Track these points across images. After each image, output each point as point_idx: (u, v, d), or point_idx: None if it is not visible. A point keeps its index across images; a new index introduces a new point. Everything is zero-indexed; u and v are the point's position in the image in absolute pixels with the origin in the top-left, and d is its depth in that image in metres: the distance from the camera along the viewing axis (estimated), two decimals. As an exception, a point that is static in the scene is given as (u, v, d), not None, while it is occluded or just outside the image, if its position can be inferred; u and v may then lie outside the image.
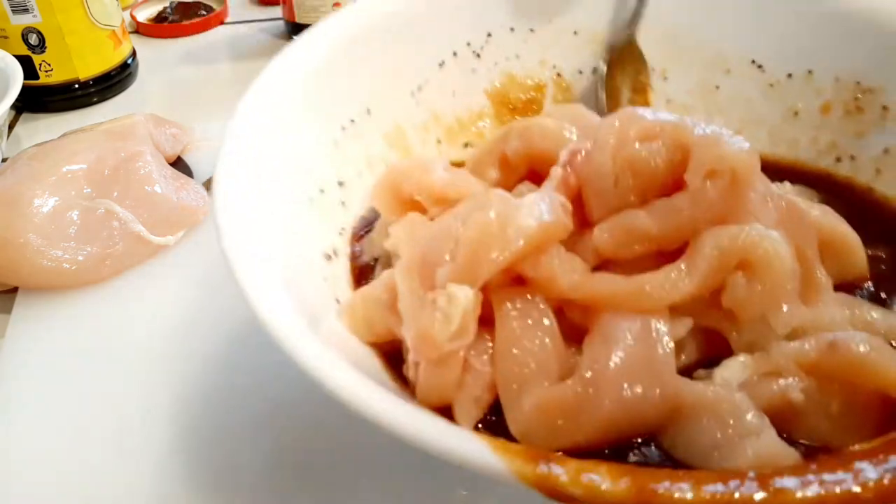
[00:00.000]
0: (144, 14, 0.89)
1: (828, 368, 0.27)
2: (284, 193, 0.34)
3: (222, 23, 0.89)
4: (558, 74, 0.48)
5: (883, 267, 0.35)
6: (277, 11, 0.84)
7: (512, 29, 0.47)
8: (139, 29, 0.87)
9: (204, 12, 0.88)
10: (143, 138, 0.54)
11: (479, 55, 0.47)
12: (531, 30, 0.47)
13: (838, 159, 0.42)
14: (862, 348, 0.26)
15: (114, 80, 0.72)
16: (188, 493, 0.36)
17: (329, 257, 0.35)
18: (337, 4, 0.78)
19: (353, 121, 0.41)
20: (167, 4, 0.90)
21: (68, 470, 0.37)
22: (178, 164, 0.59)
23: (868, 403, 0.27)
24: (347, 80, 0.41)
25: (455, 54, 0.46)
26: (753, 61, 0.45)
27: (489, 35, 0.47)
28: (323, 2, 0.78)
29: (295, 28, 0.81)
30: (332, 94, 0.40)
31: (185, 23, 0.86)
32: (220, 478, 0.36)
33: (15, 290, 0.48)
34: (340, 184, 0.39)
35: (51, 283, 0.47)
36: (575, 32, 0.48)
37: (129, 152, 0.52)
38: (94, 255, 0.47)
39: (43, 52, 0.67)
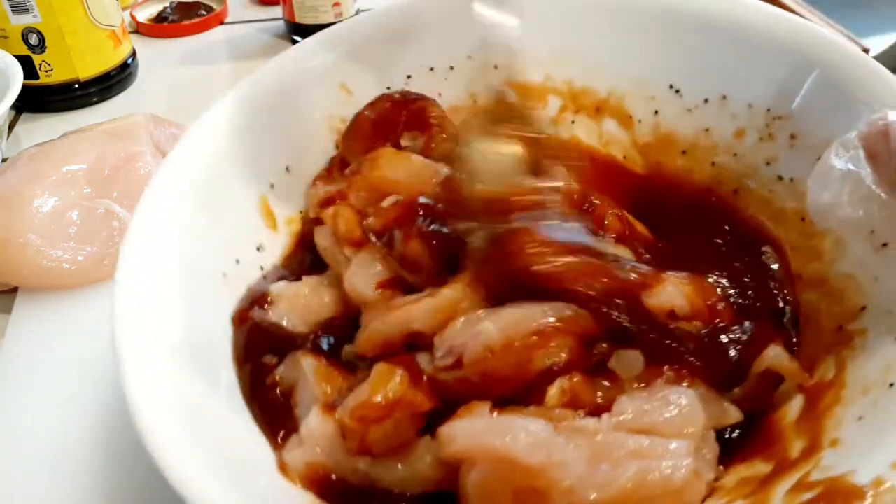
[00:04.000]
0: (144, 14, 0.89)
1: None
2: (196, 268, 0.34)
3: (222, 23, 0.89)
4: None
5: None
6: (277, 11, 0.84)
7: (431, 69, 0.47)
8: (139, 29, 0.87)
9: (204, 12, 0.88)
10: (143, 138, 0.54)
11: None
12: (451, 67, 0.47)
13: (737, 188, 0.42)
14: None
15: (114, 80, 0.73)
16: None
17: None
18: (337, 4, 0.78)
19: (272, 185, 0.40)
20: (167, 4, 0.90)
21: (69, 469, 0.37)
22: (178, 164, 0.59)
23: None
24: (265, 140, 0.41)
25: None
26: (671, 86, 0.45)
27: (409, 77, 0.46)
28: (323, 2, 0.78)
29: (295, 28, 0.81)
30: (249, 156, 0.40)
31: (185, 23, 0.86)
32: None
33: (15, 290, 0.48)
34: (259, 248, 0.39)
35: (51, 283, 0.47)
36: (495, 67, 0.46)
37: (129, 152, 0.52)
38: (94, 255, 0.47)
39: (43, 52, 0.67)
